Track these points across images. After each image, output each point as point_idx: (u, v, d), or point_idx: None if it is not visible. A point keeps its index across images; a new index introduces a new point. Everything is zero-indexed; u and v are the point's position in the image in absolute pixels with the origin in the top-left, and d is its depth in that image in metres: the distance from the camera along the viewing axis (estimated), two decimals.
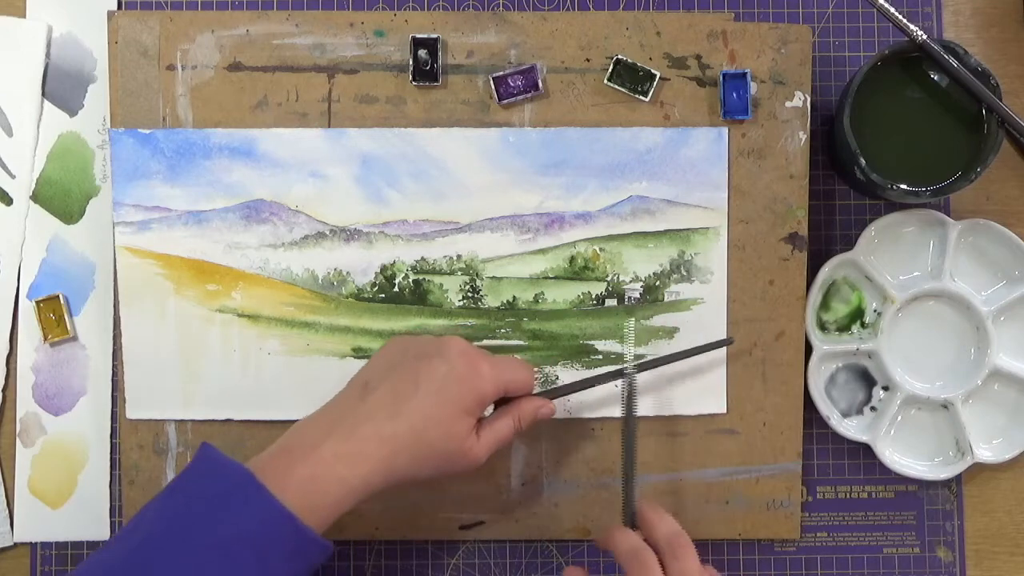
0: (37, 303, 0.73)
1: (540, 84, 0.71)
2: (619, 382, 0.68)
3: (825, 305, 0.73)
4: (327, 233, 0.71)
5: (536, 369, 0.71)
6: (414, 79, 0.71)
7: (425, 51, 0.71)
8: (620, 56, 0.71)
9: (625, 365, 0.68)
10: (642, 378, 0.69)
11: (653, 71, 0.71)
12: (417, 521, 0.72)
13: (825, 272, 0.73)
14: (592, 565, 0.74)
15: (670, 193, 0.71)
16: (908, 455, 0.73)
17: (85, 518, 0.73)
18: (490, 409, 0.65)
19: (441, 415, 0.60)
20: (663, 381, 0.72)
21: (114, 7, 0.74)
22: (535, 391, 0.66)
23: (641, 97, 0.71)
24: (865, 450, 0.73)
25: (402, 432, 0.60)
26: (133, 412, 0.72)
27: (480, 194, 0.71)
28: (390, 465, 0.59)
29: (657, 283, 0.72)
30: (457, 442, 0.61)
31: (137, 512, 0.59)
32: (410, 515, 0.72)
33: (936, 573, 0.74)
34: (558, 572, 0.74)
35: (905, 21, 0.68)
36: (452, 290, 0.72)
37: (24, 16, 0.74)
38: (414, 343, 0.64)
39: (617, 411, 0.71)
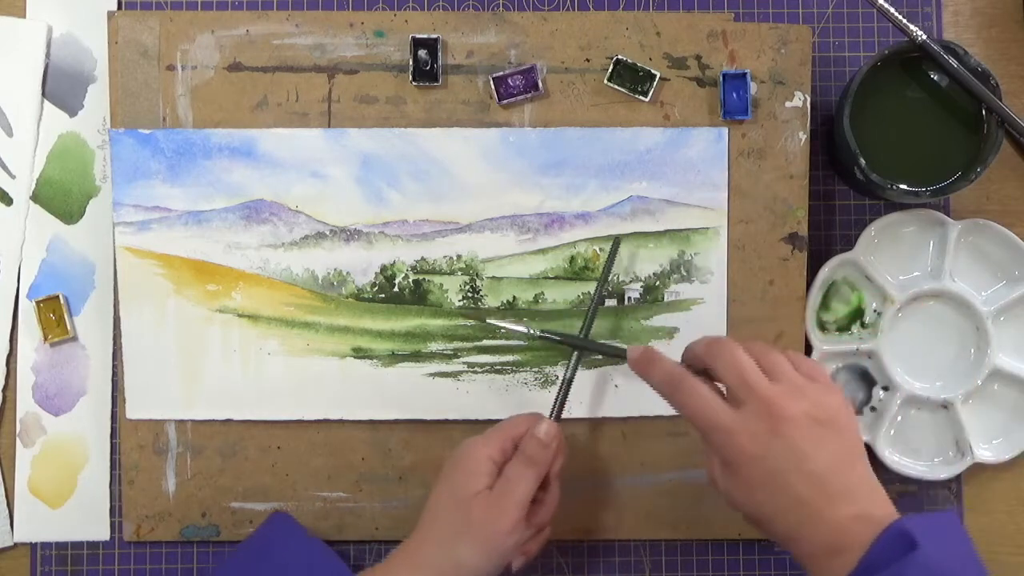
0: (37, 303, 0.73)
1: (540, 84, 0.71)
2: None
3: (825, 305, 0.73)
4: (327, 233, 0.71)
5: (536, 369, 0.72)
6: (414, 79, 0.71)
7: (425, 51, 0.71)
8: (620, 56, 0.71)
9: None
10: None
11: (653, 71, 0.71)
12: (417, 521, 0.72)
13: (825, 272, 0.73)
14: (592, 565, 0.74)
15: (670, 193, 0.71)
16: (908, 455, 0.73)
17: (85, 518, 0.73)
18: None
19: (452, 513, 0.63)
20: None
21: (114, 7, 0.74)
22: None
23: (641, 97, 0.71)
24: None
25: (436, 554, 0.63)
26: (133, 412, 0.72)
27: (480, 194, 0.71)
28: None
29: (657, 283, 0.72)
30: (489, 528, 0.63)
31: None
32: (410, 515, 0.72)
33: None
34: (558, 572, 0.74)
35: (905, 21, 0.68)
36: (452, 290, 0.72)
37: (24, 16, 0.74)
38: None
39: (615, 412, 0.71)
